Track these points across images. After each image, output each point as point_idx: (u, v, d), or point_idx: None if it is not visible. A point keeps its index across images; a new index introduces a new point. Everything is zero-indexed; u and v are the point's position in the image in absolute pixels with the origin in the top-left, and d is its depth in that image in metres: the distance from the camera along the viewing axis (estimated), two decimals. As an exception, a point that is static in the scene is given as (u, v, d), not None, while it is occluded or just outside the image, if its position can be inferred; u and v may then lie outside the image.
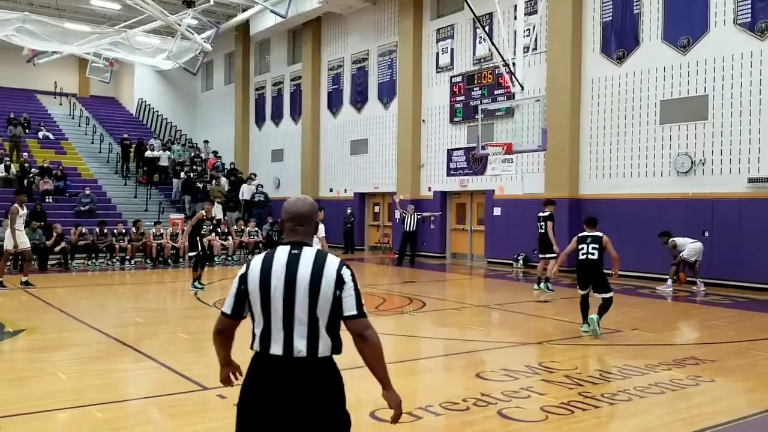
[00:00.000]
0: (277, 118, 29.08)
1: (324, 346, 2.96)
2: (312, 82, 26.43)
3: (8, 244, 13.29)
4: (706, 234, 14.52)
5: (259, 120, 30.21)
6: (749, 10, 13.98)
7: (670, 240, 14.02)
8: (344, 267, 2.96)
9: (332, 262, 2.97)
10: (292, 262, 2.95)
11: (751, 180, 13.85)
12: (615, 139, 16.47)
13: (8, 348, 8.12)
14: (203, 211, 13.36)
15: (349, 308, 2.94)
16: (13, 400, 5.74)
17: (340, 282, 2.93)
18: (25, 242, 13.52)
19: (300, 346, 2.91)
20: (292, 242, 3.05)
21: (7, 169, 22.36)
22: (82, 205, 21.16)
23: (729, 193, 14.19)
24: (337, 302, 2.92)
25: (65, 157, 25.80)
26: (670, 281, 13.79)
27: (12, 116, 25.17)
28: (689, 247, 13.73)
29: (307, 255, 2.97)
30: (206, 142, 29.47)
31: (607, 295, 8.70)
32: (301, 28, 26.79)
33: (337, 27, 25.54)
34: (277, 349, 2.93)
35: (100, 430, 5.11)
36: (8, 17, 21.70)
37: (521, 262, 18.22)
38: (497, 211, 19.19)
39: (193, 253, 13.29)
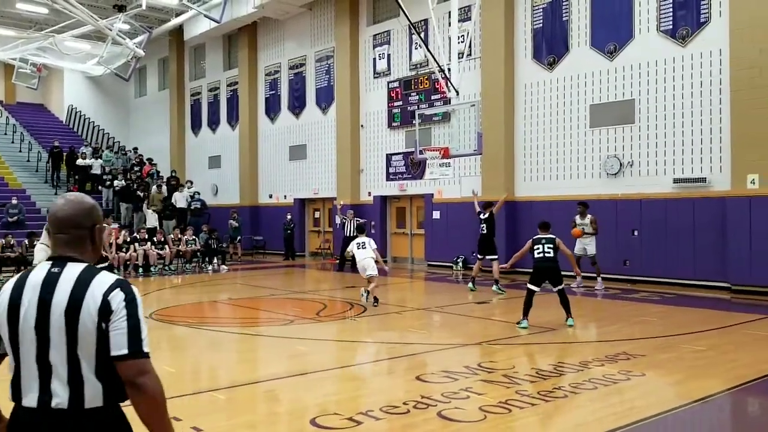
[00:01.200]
0: (213, 124, 28.67)
1: (92, 393, 2.23)
2: (249, 88, 26.18)
3: None
4: (636, 233, 15.08)
5: (195, 126, 29.72)
6: (671, 18, 14.61)
7: (588, 215, 14.19)
8: (117, 289, 2.24)
9: (100, 282, 2.24)
10: (49, 284, 2.24)
11: (676, 180, 14.46)
12: (548, 143, 16.94)
13: None
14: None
15: (117, 346, 2.20)
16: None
17: (105, 310, 2.20)
18: None
19: (60, 394, 2.20)
20: (54, 257, 2.33)
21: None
22: (9, 216, 20.39)
23: (656, 193, 14.78)
24: (103, 337, 2.20)
25: (-9, 167, 24.80)
26: (579, 278, 13.64)
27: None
28: (594, 239, 14.10)
29: (70, 274, 2.25)
30: (135, 149, 28.78)
31: (562, 287, 9.64)
32: (236, 33, 26.50)
33: (274, 32, 25.40)
34: (30, 399, 2.22)
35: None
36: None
37: (461, 264, 18.50)
38: (436, 214, 19.44)
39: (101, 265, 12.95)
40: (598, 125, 15.91)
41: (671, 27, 14.61)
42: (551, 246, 9.65)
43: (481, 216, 13.95)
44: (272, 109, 25.60)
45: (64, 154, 25.59)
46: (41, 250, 13.87)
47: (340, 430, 5.18)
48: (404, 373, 7.27)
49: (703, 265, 13.97)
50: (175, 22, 26.68)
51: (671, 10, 14.59)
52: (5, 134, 29.06)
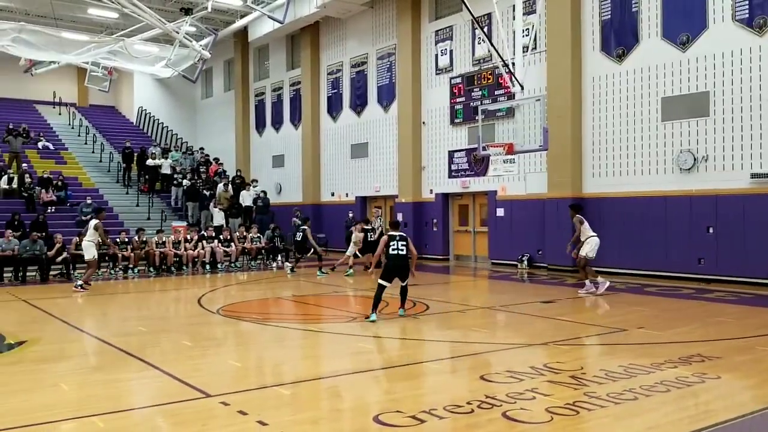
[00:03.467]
0: (277, 123, 29.08)
1: None
2: (311, 87, 26.43)
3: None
4: (710, 230, 14.47)
5: (260, 126, 30.21)
6: (747, 6, 13.94)
7: (577, 216, 13.25)
8: None
9: None
10: None
11: (754, 175, 13.79)
12: (617, 137, 16.43)
13: (9, 360, 8.08)
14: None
15: None
16: (14, 412, 5.70)
17: None
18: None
19: None
20: None
21: (10, 180, 22.37)
22: (83, 215, 21.13)
23: (732, 189, 14.14)
24: None
25: (65, 167, 25.79)
26: (589, 283, 13.00)
27: (11, 127, 25.19)
28: (591, 240, 13.05)
29: None
30: (202, 149, 29.47)
31: (405, 283, 10.29)
32: (299, 33, 26.79)
33: (336, 31, 25.55)
34: None
35: (103, 440, 5.08)
36: (4, 27, 21.74)
37: (526, 262, 18.16)
38: (500, 211, 19.15)
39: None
40: (670, 119, 15.33)
41: (747, 16, 13.94)
42: (404, 244, 10.18)
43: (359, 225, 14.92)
44: (334, 107, 25.76)
45: (135, 154, 26.42)
46: (90, 246, 14.46)
47: (404, 428, 5.10)
48: (468, 373, 7.14)
49: (783, 264, 13.29)
50: (239, 23, 27.18)
51: (748, -3, 13.93)
52: (79, 136, 30.22)
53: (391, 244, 10.14)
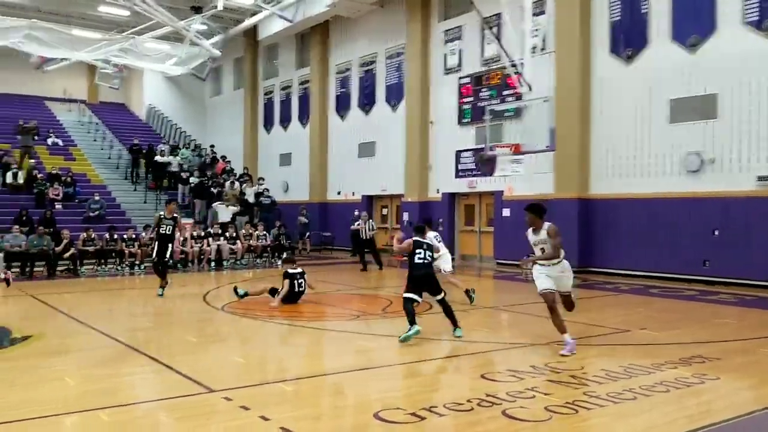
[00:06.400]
0: (285, 121, 29.16)
1: None
2: (320, 86, 26.49)
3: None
4: (716, 233, 14.43)
5: (268, 124, 30.30)
6: (757, 9, 13.91)
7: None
8: None
9: None
10: None
11: (760, 178, 13.76)
12: (625, 139, 16.40)
13: (14, 354, 8.16)
14: (161, 212, 13.21)
15: None
16: (19, 404, 5.76)
17: None
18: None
19: None
20: None
21: (15, 176, 22.53)
22: (91, 211, 21.30)
23: (739, 191, 14.10)
24: None
25: (75, 164, 25.96)
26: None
27: (22, 123, 25.36)
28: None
29: None
30: (212, 146, 29.59)
31: (441, 297, 8.96)
32: (308, 32, 26.85)
33: (345, 30, 25.59)
34: None
35: (106, 430, 5.14)
36: (15, 24, 21.93)
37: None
38: (506, 212, 19.14)
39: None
40: (678, 120, 15.30)
41: (757, 18, 13.91)
42: (431, 254, 8.97)
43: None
44: (342, 106, 25.81)
45: (144, 151, 26.55)
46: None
47: (404, 425, 5.14)
48: (469, 371, 7.17)
49: (790, 267, 13.25)
50: (249, 22, 27.28)
51: (757, 1, 13.87)
52: (88, 133, 30.41)
53: (417, 251, 8.93)
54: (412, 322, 8.42)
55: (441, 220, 21.27)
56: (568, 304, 8.31)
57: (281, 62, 29.68)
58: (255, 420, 5.29)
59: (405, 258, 9.20)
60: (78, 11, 26.44)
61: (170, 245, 12.93)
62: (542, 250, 7.92)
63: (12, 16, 23.97)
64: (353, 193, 25.07)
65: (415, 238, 9.17)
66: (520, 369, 6.85)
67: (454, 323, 8.76)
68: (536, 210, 8.06)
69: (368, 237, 18.91)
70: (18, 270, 16.96)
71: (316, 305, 12.19)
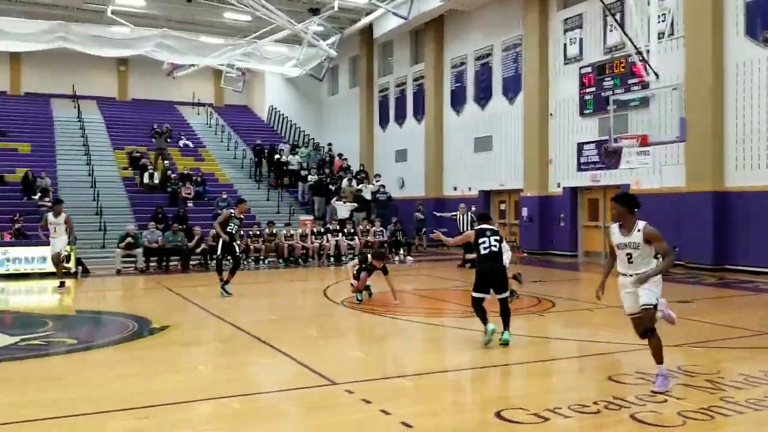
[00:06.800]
0: (400, 118, 29.35)
1: None
2: (435, 81, 26.45)
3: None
4: None
5: (383, 121, 30.63)
6: None
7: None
8: None
9: None
10: None
11: None
12: (764, 127, 15.20)
13: (154, 343, 8.70)
14: (231, 210, 13.08)
15: None
16: (158, 391, 6.13)
17: None
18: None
19: None
20: None
21: (151, 176, 24.11)
22: (219, 209, 22.36)
23: None
24: None
25: (203, 164, 27.41)
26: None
27: (156, 127, 27.08)
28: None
29: None
30: (330, 144, 30.29)
31: (504, 296, 8.03)
32: (423, 27, 26.88)
33: (460, 24, 25.39)
34: None
35: (238, 420, 5.35)
36: (148, 34, 23.45)
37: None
38: (632, 206, 18.25)
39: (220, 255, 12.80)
40: (826, 105, 13.99)
41: None
42: (498, 239, 7.94)
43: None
44: (458, 101, 25.64)
45: (266, 151, 27.62)
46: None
47: (526, 425, 5.01)
48: (595, 372, 6.89)
49: None
50: (365, 21, 27.66)
51: None
52: (215, 134, 32.01)
53: (482, 240, 7.95)
54: (484, 321, 7.78)
55: (563, 215, 20.67)
56: (646, 321, 6.12)
57: (396, 59, 29.89)
58: (376, 414, 5.34)
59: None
60: (205, 19, 27.85)
61: (235, 244, 12.80)
62: (629, 256, 6.18)
63: (145, 26, 25.65)
64: (469, 189, 24.85)
65: (479, 226, 8.32)
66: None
67: (506, 326, 7.88)
68: (627, 201, 6.20)
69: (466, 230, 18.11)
70: (155, 264, 18.11)
71: (435, 301, 12.18)
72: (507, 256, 11.25)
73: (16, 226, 18.19)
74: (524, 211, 21.75)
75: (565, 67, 20.79)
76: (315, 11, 25.34)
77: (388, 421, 5.17)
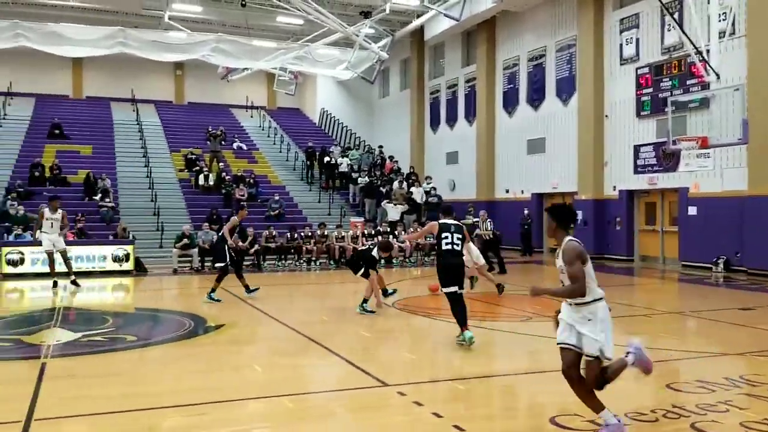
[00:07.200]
0: (451, 120, 29.23)
1: None
2: (486, 83, 26.26)
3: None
4: None
5: (434, 123, 30.55)
6: None
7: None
8: None
9: None
10: None
11: None
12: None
13: (209, 341, 8.87)
14: (236, 217, 13.06)
15: None
16: (214, 388, 6.23)
17: None
18: None
19: None
20: None
21: (206, 178, 24.61)
22: (271, 210, 22.68)
23: None
24: None
25: (256, 166, 27.81)
26: None
27: (210, 129, 27.64)
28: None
29: None
30: (380, 147, 30.37)
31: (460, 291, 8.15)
32: (474, 29, 26.72)
33: (513, 25, 25.15)
34: None
35: (290, 419, 5.40)
36: (204, 39, 23.96)
37: (721, 265, 16.69)
38: (692, 210, 17.76)
39: (221, 264, 12.53)
40: None
41: None
42: (460, 237, 7.99)
43: None
44: (510, 102, 25.39)
45: (317, 153, 27.88)
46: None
47: (583, 433, 4.91)
48: (653, 380, 6.64)
49: None
50: (416, 23, 27.66)
51: None
52: (268, 137, 32.46)
53: (444, 235, 7.91)
54: (462, 325, 7.94)
55: (618, 218, 20.23)
56: (590, 377, 4.85)
57: (447, 61, 29.79)
58: (428, 416, 5.32)
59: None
60: (258, 23, 28.28)
61: (232, 251, 12.78)
62: (562, 282, 4.97)
63: (201, 31, 26.21)
64: (522, 191, 24.57)
65: (442, 221, 8.19)
66: (711, 380, 6.30)
67: (464, 324, 7.94)
68: (557, 214, 4.99)
69: (488, 237, 17.30)
70: (210, 263, 18.45)
71: (487, 305, 12.07)
72: (475, 254, 11.30)
73: (78, 225, 18.79)
74: (579, 215, 21.39)
75: (621, 68, 20.36)
76: (366, 14, 25.45)
77: (440, 424, 5.15)
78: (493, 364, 7.79)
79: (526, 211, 23.06)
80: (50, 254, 14.49)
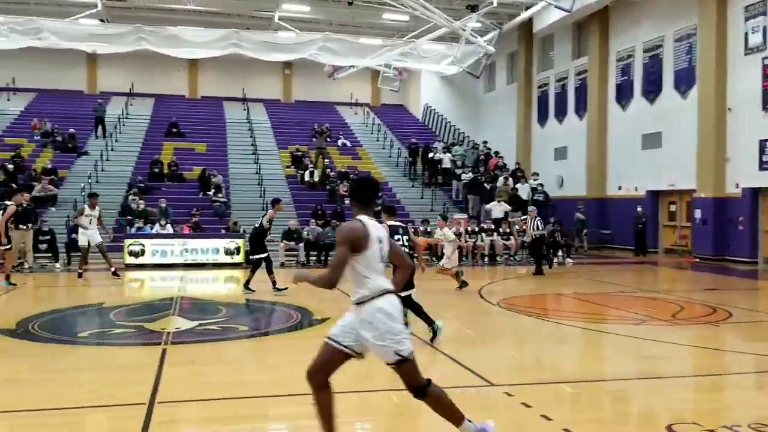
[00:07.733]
0: (560, 114, 28.42)
1: None
2: (599, 75, 25.34)
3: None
4: None
5: (542, 118, 29.81)
6: None
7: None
8: None
9: None
10: None
11: None
12: None
13: (313, 334, 9.03)
14: (271, 211, 13.15)
15: None
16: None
17: None
18: None
19: None
20: None
21: (312, 174, 25.21)
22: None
23: None
24: None
25: (360, 162, 28.19)
26: None
27: (316, 127, 28.28)
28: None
29: None
30: (485, 142, 29.98)
31: (410, 293, 8.22)
32: (586, 20, 25.84)
33: (627, 15, 24.12)
34: None
35: (394, 413, 5.42)
36: (312, 38, 24.50)
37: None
38: (823, 209, 16.41)
39: (258, 256, 12.90)
40: None
41: None
42: (408, 239, 8.12)
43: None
44: (623, 95, 24.37)
45: (420, 149, 27.91)
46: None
47: (705, 445, 4.63)
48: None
49: None
50: (524, 15, 27.09)
51: None
52: (371, 133, 32.82)
53: (396, 238, 7.78)
54: (428, 323, 8.04)
55: (741, 218, 18.99)
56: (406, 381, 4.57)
57: (556, 53, 28.98)
58: (537, 418, 5.20)
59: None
60: (365, 21, 28.63)
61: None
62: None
63: (309, 30, 26.83)
64: (636, 188, 23.52)
65: (392, 222, 7.93)
66: None
67: (428, 319, 8.08)
68: (353, 191, 4.59)
69: (533, 236, 16.79)
70: (315, 257, 18.89)
71: (598, 306, 11.67)
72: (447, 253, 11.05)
73: (194, 219, 19.75)
74: (697, 213, 20.27)
75: (745, 58, 19.07)
76: (473, 8, 25.16)
77: (549, 426, 5.02)
78: (601, 367, 7.51)
79: (639, 209, 22.09)
80: (84, 250, 15.11)
